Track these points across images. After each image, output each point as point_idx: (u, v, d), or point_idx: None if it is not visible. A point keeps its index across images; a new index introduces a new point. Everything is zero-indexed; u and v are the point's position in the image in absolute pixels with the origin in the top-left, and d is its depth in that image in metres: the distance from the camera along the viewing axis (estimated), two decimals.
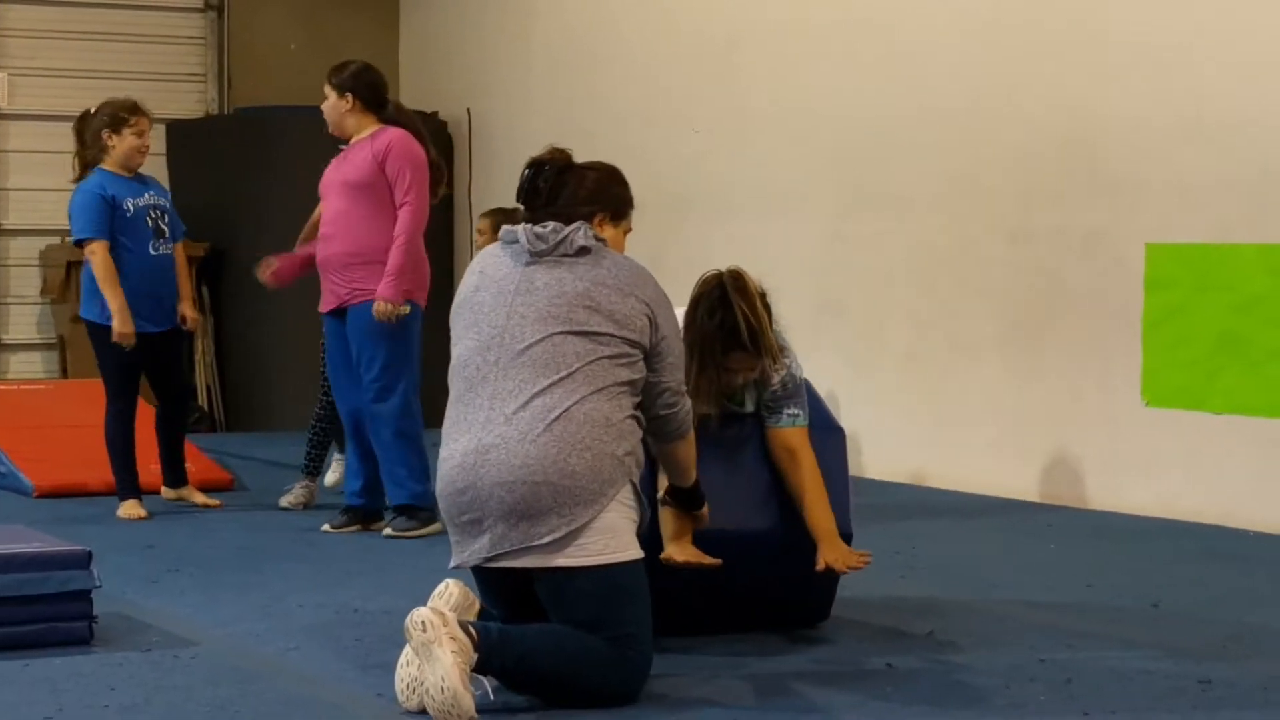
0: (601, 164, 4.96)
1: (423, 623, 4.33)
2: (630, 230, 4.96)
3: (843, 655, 5.15)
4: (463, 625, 4.38)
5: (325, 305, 7.56)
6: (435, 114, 12.19)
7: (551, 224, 4.71)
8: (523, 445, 4.50)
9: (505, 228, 4.79)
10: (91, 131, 7.96)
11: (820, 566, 5.16)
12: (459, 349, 4.72)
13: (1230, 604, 6.05)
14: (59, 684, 4.78)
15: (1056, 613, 5.84)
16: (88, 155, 7.97)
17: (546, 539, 4.48)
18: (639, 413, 4.68)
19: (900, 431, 9.26)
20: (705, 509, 5.10)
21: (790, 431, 5.29)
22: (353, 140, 7.56)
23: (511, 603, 4.65)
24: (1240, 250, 7.80)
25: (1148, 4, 8.18)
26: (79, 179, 7.98)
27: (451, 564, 4.67)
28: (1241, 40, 7.80)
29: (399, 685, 4.46)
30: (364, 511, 7.64)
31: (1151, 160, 8.15)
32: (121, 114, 7.94)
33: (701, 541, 5.07)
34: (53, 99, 12.27)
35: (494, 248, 4.80)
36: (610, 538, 4.51)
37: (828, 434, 5.40)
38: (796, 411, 5.28)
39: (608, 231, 4.83)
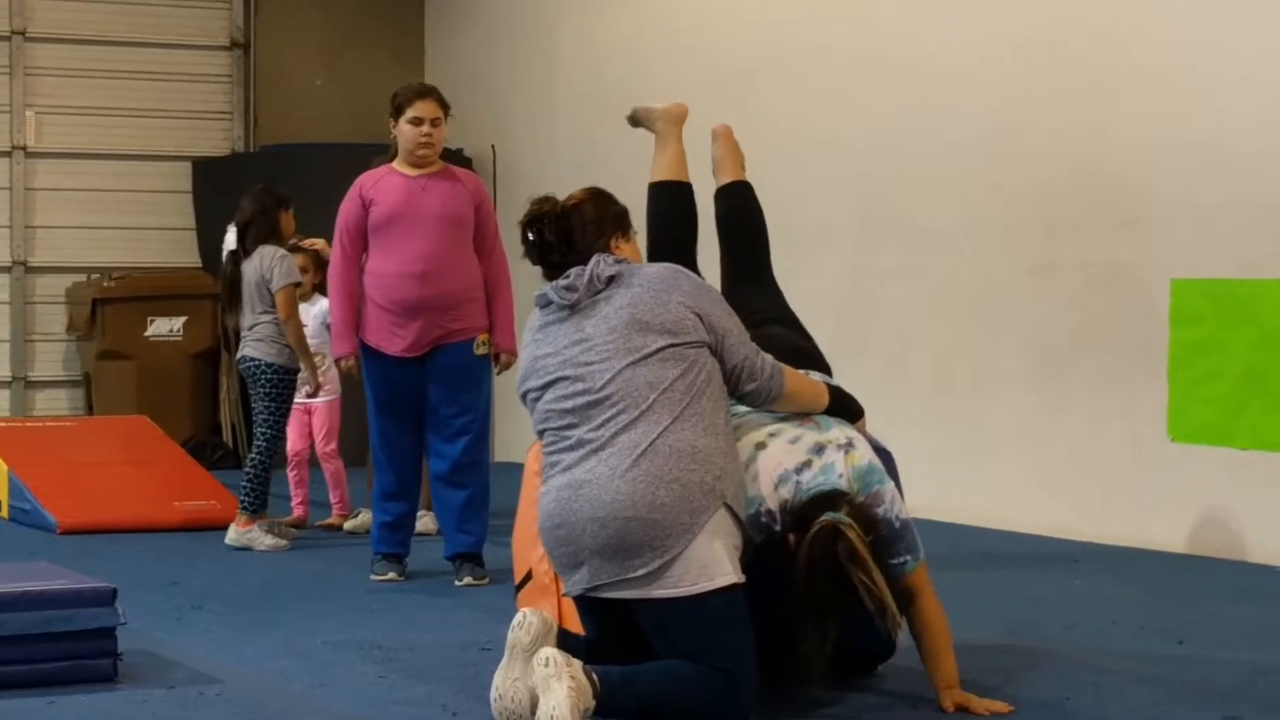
0: (584, 192, 5.03)
1: (547, 659, 4.43)
2: (636, 233, 5.07)
3: (867, 695, 5.13)
4: (586, 671, 4.45)
5: (415, 349, 7.02)
6: (460, 151, 12.22)
7: (573, 271, 4.82)
8: (612, 481, 4.60)
9: (537, 293, 4.88)
10: None
11: (949, 707, 4.85)
12: (539, 407, 4.81)
13: (1256, 641, 6.02)
14: None
15: (1081, 650, 5.81)
16: None
17: (640, 571, 4.58)
18: (731, 404, 4.81)
19: (924, 466, 9.21)
20: (862, 419, 5.13)
21: (907, 577, 4.88)
22: (420, 172, 7.07)
23: (610, 629, 4.73)
24: (1265, 286, 7.77)
25: (1171, 37, 8.18)
26: None
27: (562, 593, 4.87)
28: (1266, 74, 7.79)
29: (493, 693, 4.56)
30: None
31: (1175, 194, 8.13)
32: None
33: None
34: (80, 137, 12.32)
35: (534, 316, 4.90)
36: (704, 566, 4.57)
37: (878, 456, 5.14)
38: (906, 557, 4.85)
39: (625, 249, 4.98)
